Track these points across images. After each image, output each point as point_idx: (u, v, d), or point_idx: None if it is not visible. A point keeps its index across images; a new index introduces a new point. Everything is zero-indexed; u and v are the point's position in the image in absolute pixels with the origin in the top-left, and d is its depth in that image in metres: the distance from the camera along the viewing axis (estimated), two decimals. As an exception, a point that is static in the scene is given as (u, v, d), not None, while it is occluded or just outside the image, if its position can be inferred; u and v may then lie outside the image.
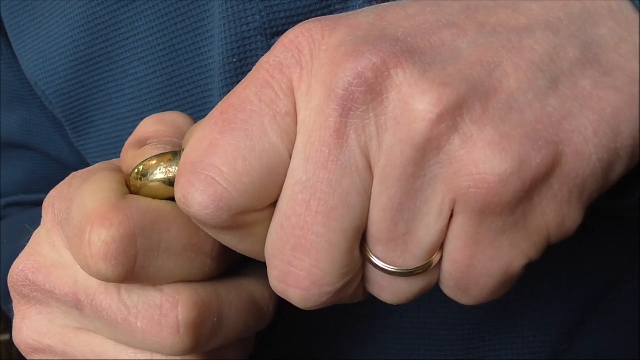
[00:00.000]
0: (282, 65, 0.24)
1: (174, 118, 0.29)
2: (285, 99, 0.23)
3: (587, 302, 0.40)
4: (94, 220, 0.24)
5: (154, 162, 0.26)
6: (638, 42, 0.23)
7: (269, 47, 0.33)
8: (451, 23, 0.23)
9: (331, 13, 0.34)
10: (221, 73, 0.35)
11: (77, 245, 0.25)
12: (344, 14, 0.25)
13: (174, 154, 0.26)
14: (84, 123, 0.42)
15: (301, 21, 0.34)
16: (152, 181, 0.26)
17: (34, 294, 0.28)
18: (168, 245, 0.26)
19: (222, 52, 0.35)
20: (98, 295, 0.26)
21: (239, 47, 0.35)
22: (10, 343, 1.48)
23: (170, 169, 0.26)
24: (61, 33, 0.40)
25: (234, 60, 0.35)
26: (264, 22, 0.34)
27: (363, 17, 0.24)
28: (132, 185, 0.27)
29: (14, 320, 0.29)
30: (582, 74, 0.22)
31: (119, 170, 0.28)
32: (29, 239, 0.29)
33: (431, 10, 0.24)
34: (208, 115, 0.26)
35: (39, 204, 0.49)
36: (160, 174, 0.26)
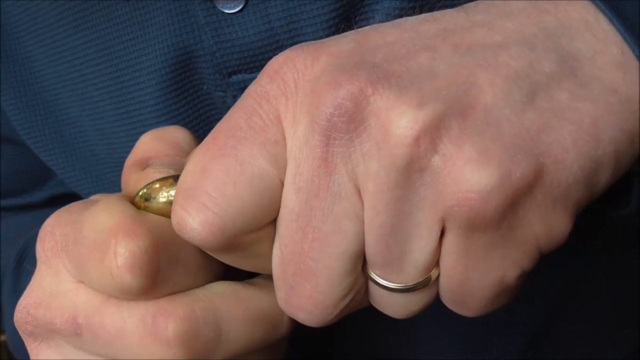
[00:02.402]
0: (268, 96, 0.24)
1: (173, 134, 0.29)
2: (273, 128, 0.24)
3: (553, 304, 0.41)
4: (118, 233, 0.25)
5: (157, 185, 0.27)
6: (614, 53, 0.23)
7: (227, 85, 0.34)
8: (427, 46, 0.23)
9: (281, 49, 0.34)
10: (159, 101, 0.36)
11: (98, 259, 0.25)
12: (326, 39, 0.25)
13: (175, 178, 0.27)
14: (54, 139, 0.43)
15: (255, 60, 0.35)
16: (155, 204, 0.27)
17: (37, 330, 0.28)
18: (185, 261, 0.26)
19: (175, 90, 0.36)
20: (96, 313, 0.26)
21: (190, 81, 0.36)
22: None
23: (172, 193, 0.27)
24: (34, 47, 0.41)
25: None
26: (219, 63, 0.35)
27: (344, 44, 0.24)
28: (136, 207, 0.27)
29: (31, 358, 0.29)
30: (559, 87, 0.23)
31: (121, 195, 0.29)
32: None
33: (409, 36, 0.24)
34: (204, 140, 0.26)
35: (17, 208, 0.50)
36: (163, 197, 0.27)
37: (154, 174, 0.28)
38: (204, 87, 0.36)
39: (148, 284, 0.25)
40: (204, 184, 0.24)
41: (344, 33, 0.25)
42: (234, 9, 0.34)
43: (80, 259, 0.26)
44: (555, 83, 0.23)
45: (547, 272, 0.40)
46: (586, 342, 0.42)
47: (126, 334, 0.26)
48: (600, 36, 0.23)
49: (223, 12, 0.34)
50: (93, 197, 0.29)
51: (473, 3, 0.25)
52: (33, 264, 0.29)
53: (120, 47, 0.38)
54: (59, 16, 0.39)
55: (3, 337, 1.53)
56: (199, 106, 0.37)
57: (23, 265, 0.47)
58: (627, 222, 0.29)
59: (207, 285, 0.27)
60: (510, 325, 0.41)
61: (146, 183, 0.28)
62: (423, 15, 0.25)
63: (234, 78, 0.36)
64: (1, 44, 0.41)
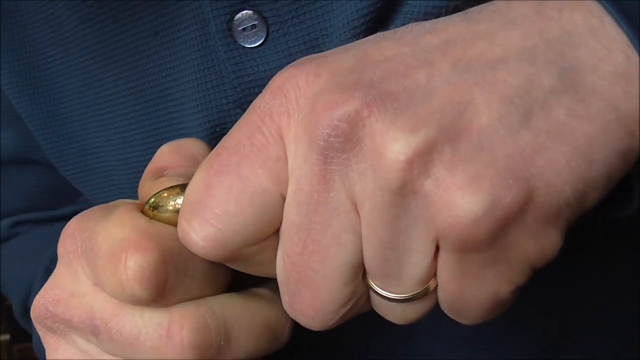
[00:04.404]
0: (272, 112, 0.25)
1: (190, 146, 0.30)
2: (275, 145, 0.25)
3: (570, 309, 0.41)
4: (129, 247, 0.26)
5: (165, 194, 0.28)
6: (619, 60, 0.23)
7: None
8: (426, 61, 0.24)
9: None
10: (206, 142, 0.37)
11: (111, 270, 0.26)
12: (330, 52, 0.25)
13: (182, 187, 0.28)
14: (79, 167, 0.44)
15: None
16: (163, 212, 0.28)
17: (56, 325, 0.29)
18: (192, 271, 0.28)
19: (203, 123, 0.37)
20: (112, 318, 0.28)
21: (219, 119, 0.36)
22: (10, 343, 1.49)
23: (179, 202, 0.28)
24: (63, 79, 0.42)
25: (217, 130, 0.37)
26: (240, 98, 0.35)
27: (345, 60, 0.24)
28: (146, 215, 0.28)
29: (47, 353, 0.30)
30: (557, 103, 0.23)
31: (136, 203, 0.30)
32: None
33: (409, 49, 0.24)
34: (210, 154, 0.27)
35: (44, 221, 0.51)
36: (170, 206, 0.28)
37: (165, 182, 0.29)
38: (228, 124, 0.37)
39: (157, 294, 0.26)
40: (207, 200, 0.25)
41: (347, 45, 0.26)
42: (254, 43, 0.34)
43: (96, 268, 0.27)
44: (553, 98, 0.23)
45: (564, 276, 0.40)
46: (604, 345, 0.42)
47: (141, 341, 0.27)
48: (605, 42, 0.23)
49: (244, 46, 0.34)
50: (114, 203, 0.30)
51: (478, 8, 0.25)
52: None
53: (150, 78, 0.38)
54: (90, 48, 0.40)
55: (3, 337, 1.53)
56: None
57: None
58: (627, 223, 0.29)
59: (218, 296, 0.29)
60: (526, 326, 0.41)
61: (156, 191, 0.28)
62: (427, 24, 0.25)
63: None
64: (31, 76, 0.42)
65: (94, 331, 0.28)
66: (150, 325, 0.27)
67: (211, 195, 0.25)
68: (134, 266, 0.26)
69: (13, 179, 0.50)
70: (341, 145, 0.23)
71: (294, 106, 0.24)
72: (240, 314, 0.28)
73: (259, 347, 0.29)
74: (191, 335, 0.27)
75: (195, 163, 0.30)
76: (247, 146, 0.25)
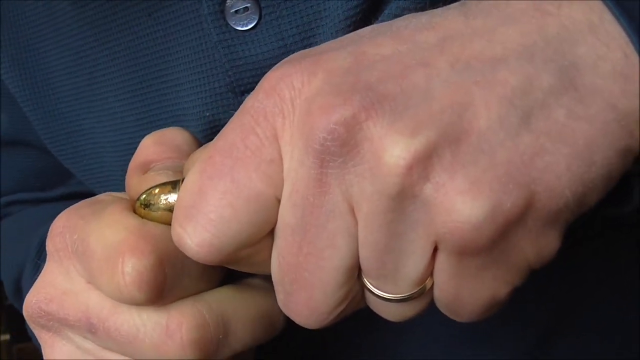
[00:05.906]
0: (266, 113, 0.24)
1: (173, 136, 0.30)
2: (270, 147, 0.24)
3: (563, 305, 0.41)
4: (125, 251, 0.26)
5: (157, 191, 0.28)
6: (618, 58, 0.22)
7: (239, 103, 0.33)
8: (424, 61, 0.23)
9: None
10: (197, 125, 0.37)
11: (108, 275, 0.26)
12: (324, 47, 0.25)
13: (174, 185, 0.28)
14: (69, 148, 0.44)
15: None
16: (155, 210, 0.28)
17: (51, 323, 0.29)
18: (189, 270, 0.28)
19: (196, 106, 0.36)
20: (110, 317, 0.27)
21: (211, 103, 0.36)
22: (10, 343, 1.49)
23: (171, 199, 0.27)
24: (53, 58, 0.41)
25: (207, 114, 0.36)
26: (232, 81, 0.35)
27: (341, 59, 0.24)
28: (137, 213, 0.28)
29: (43, 350, 0.30)
30: (556, 103, 0.22)
31: (125, 200, 0.29)
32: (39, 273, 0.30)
33: (406, 48, 0.24)
34: (203, 148, 0.27)
35: (34, 202, 0.51)
36: (162, 204, 0.28)
37: (154, 177, 0.28)
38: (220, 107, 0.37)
39: (155, 296, 0.26)
40: (201, 205, 0.25)
41: (342, 38, 0.25)
42: (247, 26, 0.34)
43: (90, 271, 0.27)
44: (553, 99, 0.22)
45: (559, 272, 0.40)
46: (596, 342, 0.42)
47: (140, 339, 0.27)
48: (604, 39, 0.23)
49: (236, 29, 0.34)
50: (101, 197, 0.30)
51: (475, 1, 0.25)
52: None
53: (144, 59, 0.38)
54: (83, 28, 0.39)
55: (3, 337, 1.54)
56: (222, 122, 0.37)
57: (41, 259, 0.47)
58: (625, 219, 0.29)
59: (213, 290, 0.29)
60: (518, 321, 0.41)
61: (146, 187, 0.28)
62: (423, 18, 0.25)
63: (246, 97, 0.35)
64: (22, 56, 0.42)
65: (90, 329, 0.28)
66: (148, 324, 0.27)
67: (205, 200, 0.25)
68: (131, 271, 0.26)
69: (5, 160, 0.50)
70: (338, 149, 0.23)
71: (289, 107, 0.24)
72: (237, 306, 0.28)
73: (256, 337, 0.29)
74: (190, 332, 0.27)
75: (181, 154, 0.29)
76: (241, 148, 0.24)
